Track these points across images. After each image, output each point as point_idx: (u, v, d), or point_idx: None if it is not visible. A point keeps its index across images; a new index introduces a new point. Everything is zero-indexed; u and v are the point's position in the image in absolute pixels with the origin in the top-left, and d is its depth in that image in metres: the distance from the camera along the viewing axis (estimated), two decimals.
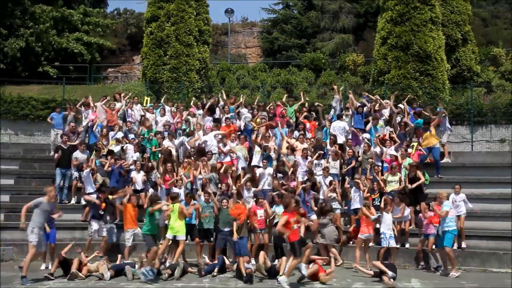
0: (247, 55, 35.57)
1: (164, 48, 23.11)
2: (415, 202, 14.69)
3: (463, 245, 14.10)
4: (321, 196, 15.02)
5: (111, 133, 17.34)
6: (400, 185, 14.95)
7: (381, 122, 17.48)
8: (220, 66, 27.41)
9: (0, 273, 12.47)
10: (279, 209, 13.68)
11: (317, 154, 15.98)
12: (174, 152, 16.50)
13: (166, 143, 16.70)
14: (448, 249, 12.67)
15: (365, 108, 18.08)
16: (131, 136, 17.23)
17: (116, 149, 16.50)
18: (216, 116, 18.61)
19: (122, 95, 19.20)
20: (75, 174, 16.03)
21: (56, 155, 16.37)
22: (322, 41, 32.11)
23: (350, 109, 17.87)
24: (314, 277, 11.85)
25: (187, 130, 17.69)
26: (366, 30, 32.14)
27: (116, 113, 18.18)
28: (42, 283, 11.63)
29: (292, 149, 16.24)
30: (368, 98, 18.96)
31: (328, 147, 16.74)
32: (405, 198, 14.27)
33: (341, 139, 16.97)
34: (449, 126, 17.82)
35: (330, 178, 15.45)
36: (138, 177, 15.50)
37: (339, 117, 17.64)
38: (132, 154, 16.36)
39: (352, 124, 17.46)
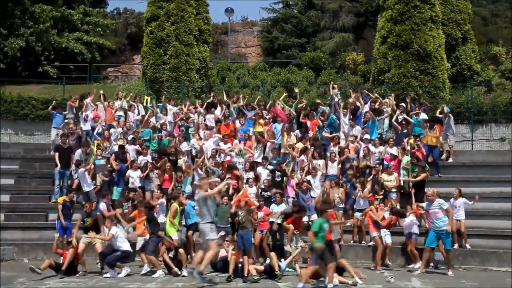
0: (247, 54, 35.53)
1: (164, 48, 23.10)
2: (416, 201, 14.70)
3: (467, 245, 14.12)
4: (312, 195, 14.98)
5: (113, 132, 17.36)
6: (396, 183, 15.00)
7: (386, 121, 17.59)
8: (220, 65, 27.39)
9: (0, 273, 12.49)
10: (277, 208, 13.80)
11: (311, 154, 15.98)
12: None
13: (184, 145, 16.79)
14: (448, 251, 12.74)
15: (366, 107, 18.12)
16: (130, 137, 17.23)
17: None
18: (218, 115, 18.64)
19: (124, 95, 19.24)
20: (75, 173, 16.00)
21: (56, 154, 16.36)
22: (322, 40, 32.05)
23: (348, 111, 17.91)
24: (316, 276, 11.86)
25: (190, 130, 17.65)
26: (366, 29, 32.09)
27: (115, 112, 18.26)
28: (42, 282, 11.65)
29: (292, 148, 16.23)
30: (367, 97, 18.99)
31: (332, 148, 16.71)
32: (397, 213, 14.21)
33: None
34: (453, 128, 17.78)
35: (318, 177, 15.38)
36: (135, 175, 15.51)
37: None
38: (133, 154, 16.39)
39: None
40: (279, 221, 13.92)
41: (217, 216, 13.29)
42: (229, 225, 13.55)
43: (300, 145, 16.47)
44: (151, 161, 16.03)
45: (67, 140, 16.74)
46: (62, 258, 12.70)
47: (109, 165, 15.91)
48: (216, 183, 12.72)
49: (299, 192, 14.71)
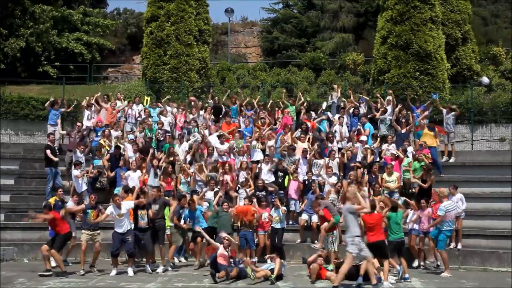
0: (247, 54, 35.54)
1: (164, 48, 23.10)
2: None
3: (459, 246, 14.09)
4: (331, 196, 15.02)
5: (114, 133, 17.38)
6: (397, 183, 14.98)
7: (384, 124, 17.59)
8: (220, 65, 27.39)
9: (0, 273, 12.49)
10: (277, 214, 13.88)
11: (312, 153, 16.03)
12: (181, 157, 16.42)
13: (177, 148, 16.75)
14: (440, 251, 12.74)
15: (361, 109, 18.17)
16: (130, 136, 17.24)
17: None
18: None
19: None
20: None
21: (48, 151, 16.26)
22: (322, 41, 32.06)
23: (345, 112, 17.98)
24: (318, 276, 11.88)
25: (194, 131, 17.63)
26: (366, 29, 32.09)
27: (117, 113, 18.30)
28: (42, 282, 11.65)
29: (293, 149, 16.24)
30: (364, 99, 19.03)
31: (330, 144, 16.74)
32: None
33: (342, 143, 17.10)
34: (452, 127, 17.84)
35: (334, 177, 15.42)
36: (134, 175, 15.50)
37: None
38: (131, 155, 16.36)
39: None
40: (278, 225, 13.96)
41: (218, 223, 13.41)
42: (231, 233, 13.54)
43: (301, 145, 16.49)
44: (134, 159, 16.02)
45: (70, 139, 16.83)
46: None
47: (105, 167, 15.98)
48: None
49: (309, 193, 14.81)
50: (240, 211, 13.79)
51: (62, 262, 12.71)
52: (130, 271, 12.54)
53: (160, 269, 12.76)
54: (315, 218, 14.34)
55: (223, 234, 12.59)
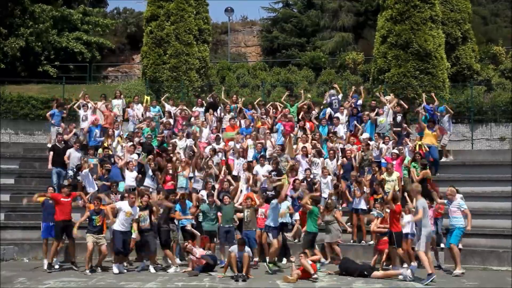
0: (247, 54, 35.54)
1: (164, 47, 23.10)
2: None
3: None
4: (324, 196, 15.02)
5: (116, 133, 17.39)
6: (398, 184, 14.96)
7: (382, 118, 17.53)
8: (220, 65, 27.38)
9: (0, 272, 12.49)
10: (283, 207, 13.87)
11: (312, 154, 16.05)
12: (181, 153, 16.47)
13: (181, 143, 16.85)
14: (452, 246, 12.63)
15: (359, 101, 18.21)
16: (125, 135, 17.25)
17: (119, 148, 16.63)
18: (218, 114, 18.69)
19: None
20: (70, 173, 15.98)
21: (51, 153, 16.27)
22: (322, 40, 32.05)
23: (344, 111, 17.98)
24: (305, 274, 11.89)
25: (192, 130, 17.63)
26: (366, 28, 32.08)
27: (114, 115, 18.25)
28: (42, 282, 11.64)
29: (283, 149, 16.29)
30: (358, 96, 19.04)
31: (330, 144, 16.74)
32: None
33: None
34: (449, 127, 17.84)
35: (329, 177, 15.42)
36: (131, 175, 15.47)
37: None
38: (130, 156, 16.27)
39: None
40: (286, 220, 13.98)
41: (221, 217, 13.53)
42: (232, 226, 13.60)
43: (300, 145, 16.51)
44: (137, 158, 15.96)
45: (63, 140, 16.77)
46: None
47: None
48: None
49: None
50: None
51: None
52: (115, 269, 12.59)
53: (172, 270, 12.78)
54: None
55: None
